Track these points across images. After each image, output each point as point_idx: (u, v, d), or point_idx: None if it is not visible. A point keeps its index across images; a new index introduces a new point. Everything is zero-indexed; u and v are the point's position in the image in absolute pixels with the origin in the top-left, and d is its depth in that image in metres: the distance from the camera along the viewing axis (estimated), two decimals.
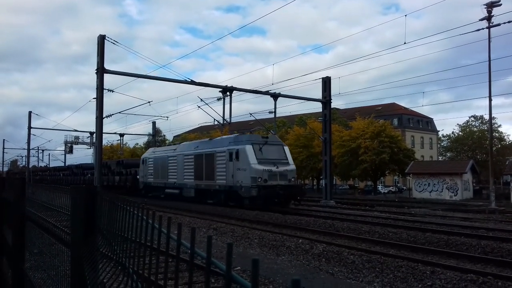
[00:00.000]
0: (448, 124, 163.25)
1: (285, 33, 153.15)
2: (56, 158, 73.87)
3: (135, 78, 24.54)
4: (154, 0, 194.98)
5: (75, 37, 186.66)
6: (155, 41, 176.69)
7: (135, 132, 65.79)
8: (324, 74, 45.82)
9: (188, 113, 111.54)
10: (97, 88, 22.03)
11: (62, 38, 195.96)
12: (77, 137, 53.92)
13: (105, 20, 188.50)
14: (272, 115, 28.38)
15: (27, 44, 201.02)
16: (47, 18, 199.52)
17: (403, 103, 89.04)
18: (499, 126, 67.22)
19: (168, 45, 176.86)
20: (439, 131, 75.56)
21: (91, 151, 52.49)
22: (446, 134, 77.97)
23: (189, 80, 24.11)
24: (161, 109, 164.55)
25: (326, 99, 28.08)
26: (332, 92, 28.38)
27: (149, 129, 50.72)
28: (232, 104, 25.27)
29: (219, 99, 25.55)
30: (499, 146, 63.09)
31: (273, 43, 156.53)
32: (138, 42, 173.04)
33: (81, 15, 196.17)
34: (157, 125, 49.71)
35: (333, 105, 30.31)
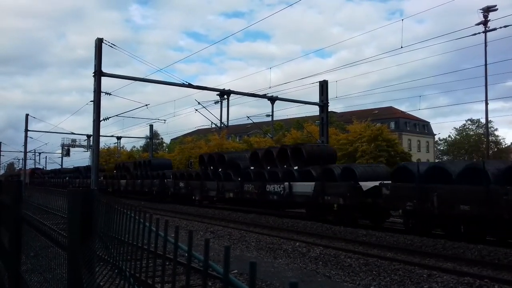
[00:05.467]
0: (446, 127, 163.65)
1: (289, 38, 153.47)
2: (53, 161, 73.33)
3: (134, 81, 24.53)
4: (159, 6, 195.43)
5: (81, 41, 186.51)
6: (160, 46, 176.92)
7: (133, 135, 65.81)
8: (325, 78, 45.99)
9: (186, 116, 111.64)
10: (94, 91, 22.02)
11: (67, 42, 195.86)
12: (74, 140, 53.79)
13: (111, 25, 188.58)
14: (269, 118, 28.40)
15: (32, 48, 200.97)
16: (53, 22, 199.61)
17: (402, 107, 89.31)
18: (496, 129, 67.54)
19: (172, 49, 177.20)
20: (435, 134, 75.81)
21: (88, 154, 52.29)
22: (443, 138, 78.26)
23: (187, 84, 24.11)
24: (161, 112, 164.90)
25: (323, 103, 28.15)
26: (330, 96, 28.48)
27: (147, 132, 50.60)
28: (233, 107, 25.45)
29: (216, 102, 25.56)
30: (495, 149, 63.35)
31: (277, 47, 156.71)
32: (143, 47, 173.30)
33: (87, 20, 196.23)
34: (154, 128, 49.62)
35: (332, 108, 30.42)
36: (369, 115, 51.31)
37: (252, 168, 23.39)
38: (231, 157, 27.03)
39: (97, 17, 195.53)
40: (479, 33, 25.82)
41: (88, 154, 51.91)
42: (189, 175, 28.70)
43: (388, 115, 63.44)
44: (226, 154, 27.74)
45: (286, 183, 19.34)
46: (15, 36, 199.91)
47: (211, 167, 27.15)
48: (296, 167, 20.42)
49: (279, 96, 27.19)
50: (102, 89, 22.44)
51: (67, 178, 52.83)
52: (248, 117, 28.92)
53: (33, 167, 71.95)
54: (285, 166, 21.22)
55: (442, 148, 79.22)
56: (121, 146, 51.10)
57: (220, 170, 25.94)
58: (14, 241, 4.20)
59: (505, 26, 24.11)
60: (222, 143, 49.66)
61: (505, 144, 67.78)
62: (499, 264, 9.68)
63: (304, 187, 18.55)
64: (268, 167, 22.15)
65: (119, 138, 47.31)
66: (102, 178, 41.44)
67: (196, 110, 26.56)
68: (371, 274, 8.90)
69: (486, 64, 27.13)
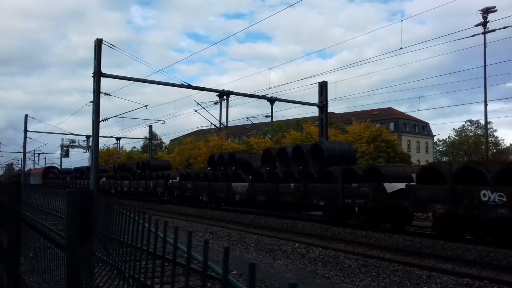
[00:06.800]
0: (446, 128, 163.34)
1: (290, 39, 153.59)
2: (52, 161, 73.19)
3: (134, 82, 24.52)
4: (160, 7, 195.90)
5: (82, 42, 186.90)
6: (161, 47, 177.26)
7: (133, 136, 65.79)
8: (327, 78, 46.02)
9: (186, 117, 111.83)
10: (93, 92, 22.02)
11: (69, 42, 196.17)
12: (73, 141, 53.83)
13: (113, 25, 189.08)
14: (269, 119, 28.43)
15: (34, 48, 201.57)
16: (54, 23, 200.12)
17: (403, 108, 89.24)
18: (495, 130, 67.65)
19: (173, 50, 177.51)
20: (435, 135, 75.87)
21: (87, 154, 52.28)
22: (442, 139, 78.38)
23: (186, 84, 24.12)
24: (161, 113, 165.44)
25: (322, 104, 28.17)
26: (330, 97, 28.51)
27: (147, 133, 50.60)
28: (233, 108, 25.25)
29: (216, 103, 25.57)
30: (495, 150, 63.42)
31: (278, 48, 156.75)
32: (144, 47, 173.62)
33: (89, 20, 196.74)
34: (154, 129, 49.59)
35: (334, 109, 30.41)
36: (368, 116, 51.37)
37: None
38: None
39: (99, 18, 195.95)
40: (478, 34, 25.88)
41: (87, 154, 51.95)
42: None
43: (387, 115, 63.50)
44: None
45: None
46: (16, 36, 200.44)
47: None
48: None
49: (279, 97, 27.21)
50: (102, 89, 22.45)
51: (103, 179, 38.37)
52: (248, 118, 28.96)
53: (48, 165, 62.58)
54: None
55: (441, 149, 79.32)
56: (120, 146, 51.12)
57: None
58: (13, 242, 4.19)
59: (504, 27, 24.15)
60: (221, 144, 49.74)
61: (504, 145, 67.93)
62: (498, 265, 9.68)
63: None
64: None
65: (118, 138, 47.35)
66: (177, 179, 29.59)
67: (196, 110, 26.59)
68: (370, 275, 8.90)
69: (485, 65, 27.19)
